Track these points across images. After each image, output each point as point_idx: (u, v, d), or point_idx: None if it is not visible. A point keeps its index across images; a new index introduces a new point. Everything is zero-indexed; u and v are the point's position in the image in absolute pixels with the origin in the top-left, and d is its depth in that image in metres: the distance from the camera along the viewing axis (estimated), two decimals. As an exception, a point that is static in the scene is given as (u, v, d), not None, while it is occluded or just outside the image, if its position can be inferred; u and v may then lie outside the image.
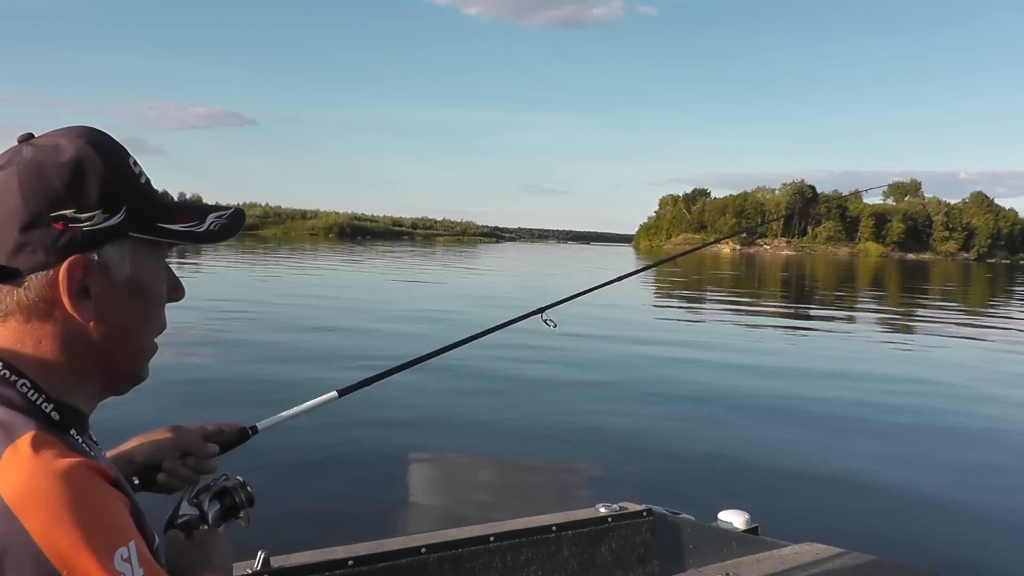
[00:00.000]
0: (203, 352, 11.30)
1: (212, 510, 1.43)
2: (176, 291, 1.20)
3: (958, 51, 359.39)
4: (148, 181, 1.13)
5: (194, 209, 1.17)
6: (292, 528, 4.77)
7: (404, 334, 14.24)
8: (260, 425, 1.62)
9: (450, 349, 2.29)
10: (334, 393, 1.87)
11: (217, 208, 1.19)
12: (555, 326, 2.56)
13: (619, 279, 3.00)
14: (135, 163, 1.11)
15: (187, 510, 1.41)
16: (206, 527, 1.41)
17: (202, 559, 1.30)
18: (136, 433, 1.47)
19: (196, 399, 8.37)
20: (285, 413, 1.74)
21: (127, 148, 1.12)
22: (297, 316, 16.54)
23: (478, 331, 2.39)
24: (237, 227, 1.20)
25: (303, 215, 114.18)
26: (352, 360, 10.89)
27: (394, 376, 2.07)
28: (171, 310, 1.20)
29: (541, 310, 2.60)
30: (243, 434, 1.57)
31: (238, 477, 1.49)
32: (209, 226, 1.15)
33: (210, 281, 23.48)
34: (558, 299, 2.66)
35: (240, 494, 1.47)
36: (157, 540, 1.07)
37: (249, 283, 25.22)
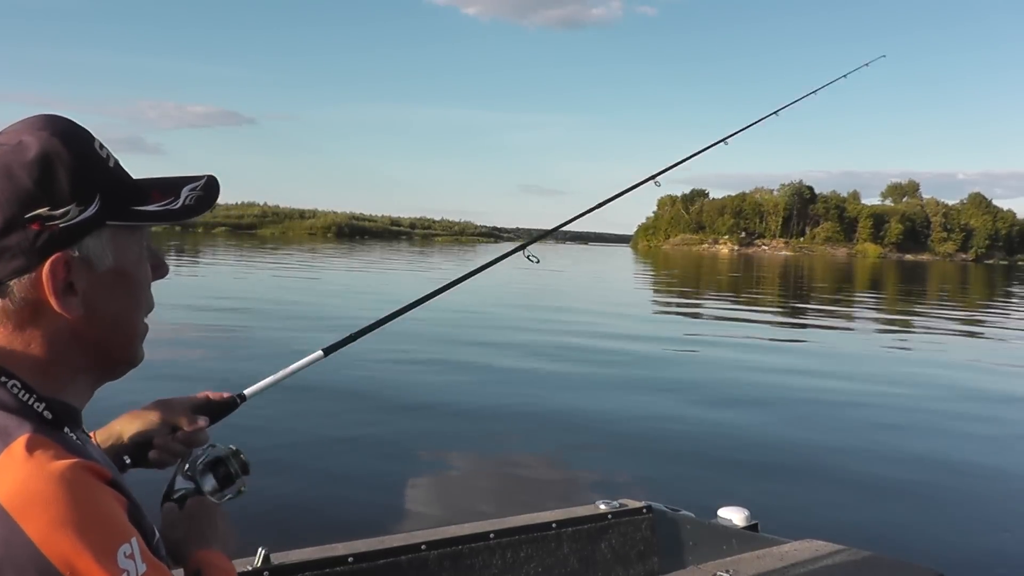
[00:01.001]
0: (203, 346, 11.29)
1: (207, 482, 1.42)
2: (160, 268, 1.18)
3: (957, 52, 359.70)
4: (117, 163, 1.11)
5: (167, 185, 1.13)
6: (289, 524, 4.77)
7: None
8: (248, 392, 1.60)
9: (437, 294, 2.24)
10: (320, 352, 1.83)
11: (190, 180, 1.16)
12: (537, 261, 2.55)
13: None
14: (101, 146, 1.08)
15: (182, 484, 1.41)
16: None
17: (196, 534, 1.30)
18: (123, 411, 1.45)
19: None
20: (272, 377, 1.70)
21: (90, 132, 1.09)
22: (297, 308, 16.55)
23: (460, 275, 2.34)
24: (213, 197, 1.17)
25: (301, 215, 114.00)
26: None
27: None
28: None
29: (523, 246, 2.58)
30: (232, 403, 1.54)
31: (231, 446, 1.48)
32: (185, 200, 1.13)
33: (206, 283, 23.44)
34: (542, 230, 2.69)
35: (234, 463, 1.46)
36: (157, 535, 1.07)
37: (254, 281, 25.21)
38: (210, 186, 1.18)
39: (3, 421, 0.95)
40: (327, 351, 1.84)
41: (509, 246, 2.57)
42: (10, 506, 0.87)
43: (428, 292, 2.22)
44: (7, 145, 1.01)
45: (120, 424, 1.42)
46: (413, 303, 2.14)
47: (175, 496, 1.39)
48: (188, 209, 1.13)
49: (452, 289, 2.26)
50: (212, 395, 1.53)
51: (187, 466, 1.43)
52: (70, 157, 1.02)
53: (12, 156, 1.00)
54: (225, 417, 1.53)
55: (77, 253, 1.02)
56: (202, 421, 1.46)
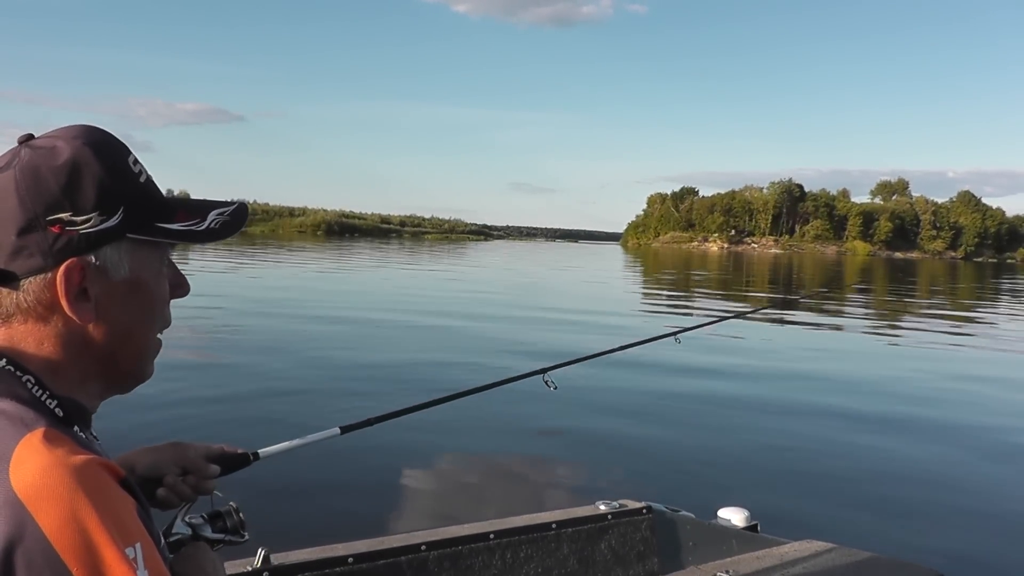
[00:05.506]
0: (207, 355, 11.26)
1: (205, 532, 1.45)
2: (180, 287, 1.20)
3: (947, 50, 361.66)
4: (149, 179, 1.12)
5: (195, 207, 1.16)
6: (290, 523, 4.74)
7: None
8: (262, 452, 1.66)
9: (452, 399, 2.36)
10: (336, 430, 1.92)
11: (219, 204, 1.19)
12: (556, 388, 2.62)
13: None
14: (135, 162, 1.11)
15: (180, 528, 1.43)
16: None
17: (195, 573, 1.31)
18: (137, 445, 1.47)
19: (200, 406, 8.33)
20: (287, 444, 1.79)
21: (128, 146, 1.11)
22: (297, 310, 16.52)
23: (479, 385, 2.46)
24: (239, 224, 1.19)
25: (291, 212, 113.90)
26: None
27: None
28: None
29: (544, 371, 2.66)
30: (245, 459, 1.59)
31: (231, 503, 1.51)
32: (210, 224, 1.15)
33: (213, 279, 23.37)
34: (561, 361, 2.76)
35: (233, 519, 1.49)
36: (163, 541, 1.08)
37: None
38: (238, 213, 1.20)
39: (20, 413, 0.96)
40: (344, 429, 1.94)
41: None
42: (25, 497, 0.87)
43: (449, 394, 2.37)
44: (42, 148, 1.04)
45: (133, 456, 1.44)
46: (428, 403, 2.28)
47: (171, 539, 1.40)
48: (211, 232, 1.15)
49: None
50: (227, 448, 1.57)
51: (189, 512, 1.46)
52: (99, 168, 1.05)
53: (43, 159, 1.03)
54: (235, 472, 1.57)
55: (94, 260, 1.04)
56: (214, 470, 1.49)
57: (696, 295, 30.58)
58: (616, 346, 3.16)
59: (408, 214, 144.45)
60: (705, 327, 3.72)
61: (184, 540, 1.41)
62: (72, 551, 0.85)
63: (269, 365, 10.56)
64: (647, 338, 3.33)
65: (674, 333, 3.42)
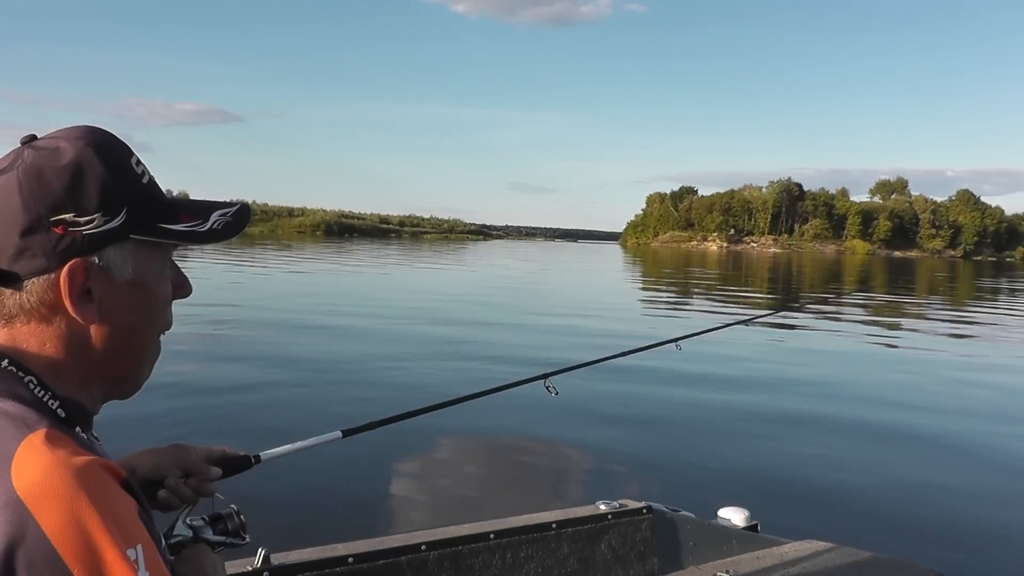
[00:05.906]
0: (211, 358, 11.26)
1: (206, 534, 1.45)
2: (182, 288, 1.20)
3: (947, 49, 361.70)
4: (151, 180, 1.13)
5: (197, 208, 1.16)
6: (291, 525, 4.74)
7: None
8: (263, 455, 1.67)
9: (454, 403, 2.37)
10: (338, 433, 1.93)
11: (222, 205, 1.19)
12: (557, 393, 2.62)
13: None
14: (138, 163, 1.11)
15: (181, 530, 1.43)
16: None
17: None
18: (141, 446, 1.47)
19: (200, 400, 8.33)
20: (288, 447, 1.80)
21: (130, 147, 1.11)
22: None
23: (480, 390, 2.48)
24: (242, 224, 1.19)
25: (290, 212, 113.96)
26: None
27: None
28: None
29: (545, 376, 2.66)
30: (246, 462, 1.59)
31: (233, 505, 1.51)
32: (213, 225, 1.15)
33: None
34: (563, 367, 2.76)
35: (235, 521, 1.49)
36: (164, 543, 1.07)
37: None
38: (240, 213, 1.20)
39: (23, 414, 0.96)
40: (346, 433, 1.94)
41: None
42: (27, 497, 0.87)
43: (452, 398, 2.37)
44: (45, 149, 1.05)
45: (135, 458, 1.44)
46: (431, 407, 2.29)
47: (172, 541, 1.40)
48: (214, 233, 1.15)
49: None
50: (228, 450, 1.57)
51: (190, 514, 1.46)
52: (102, 168, 1.05)
53: (46, 159, 1.03)
54: (237, 474, 1.57)
55: (97, 261, 1.04)
56: (216, 472, 1.49)
57: (696, 295, 30.58)
58: (618, 352, 3.15)
59: (407, 214, 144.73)
60: (706, 333, 3.71)
61: (185, 542, 1.41)
62: (73, 552, 0.86)
63: (270, 367, 10.54)
64: (649, 344, 3.32)
65: (676, 339, 3.41)
